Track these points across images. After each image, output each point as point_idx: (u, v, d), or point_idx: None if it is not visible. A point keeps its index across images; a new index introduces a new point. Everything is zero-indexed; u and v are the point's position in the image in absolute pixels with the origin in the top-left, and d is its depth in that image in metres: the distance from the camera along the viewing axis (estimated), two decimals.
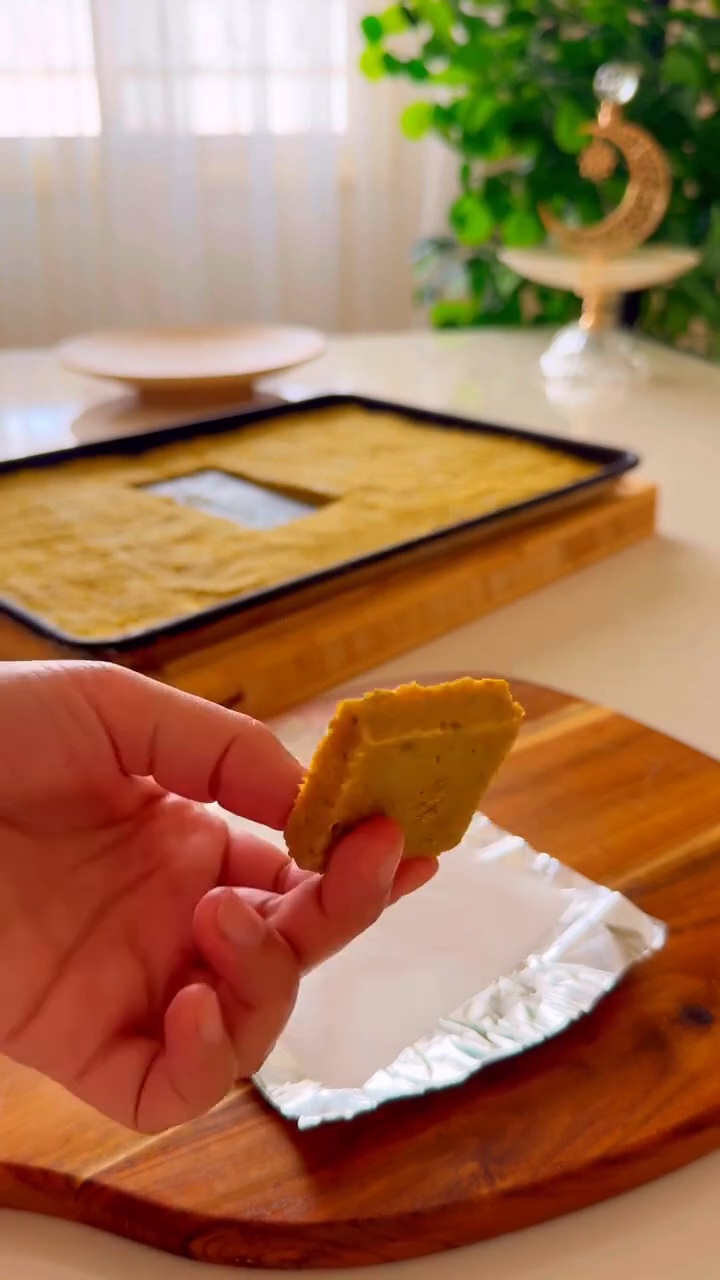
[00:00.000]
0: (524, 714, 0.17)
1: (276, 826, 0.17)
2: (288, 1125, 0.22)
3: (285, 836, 0.17)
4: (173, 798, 0.19)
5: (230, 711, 0.18)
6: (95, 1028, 0.17)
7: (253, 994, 0.17)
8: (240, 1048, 0.17)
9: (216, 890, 0.17)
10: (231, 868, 0.19)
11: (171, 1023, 0.16)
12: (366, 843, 0.16)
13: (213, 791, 0.17)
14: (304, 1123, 0.21)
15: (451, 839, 0.18)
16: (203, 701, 0.18)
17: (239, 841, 0.19)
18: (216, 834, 0.19)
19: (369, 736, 0.15)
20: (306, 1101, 0.22)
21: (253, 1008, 0.17)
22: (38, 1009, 0.16)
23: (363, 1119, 0.22)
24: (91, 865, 0.18)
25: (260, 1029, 0.17)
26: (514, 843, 0.29)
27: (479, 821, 0.30)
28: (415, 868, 0.18)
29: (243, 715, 0.18)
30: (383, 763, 0.16)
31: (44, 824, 0.17)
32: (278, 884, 0.19)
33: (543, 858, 0.28)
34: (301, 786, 0.17)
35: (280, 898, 0.18)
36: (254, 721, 0.18)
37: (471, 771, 0.17)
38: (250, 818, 0.17)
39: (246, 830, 0.20)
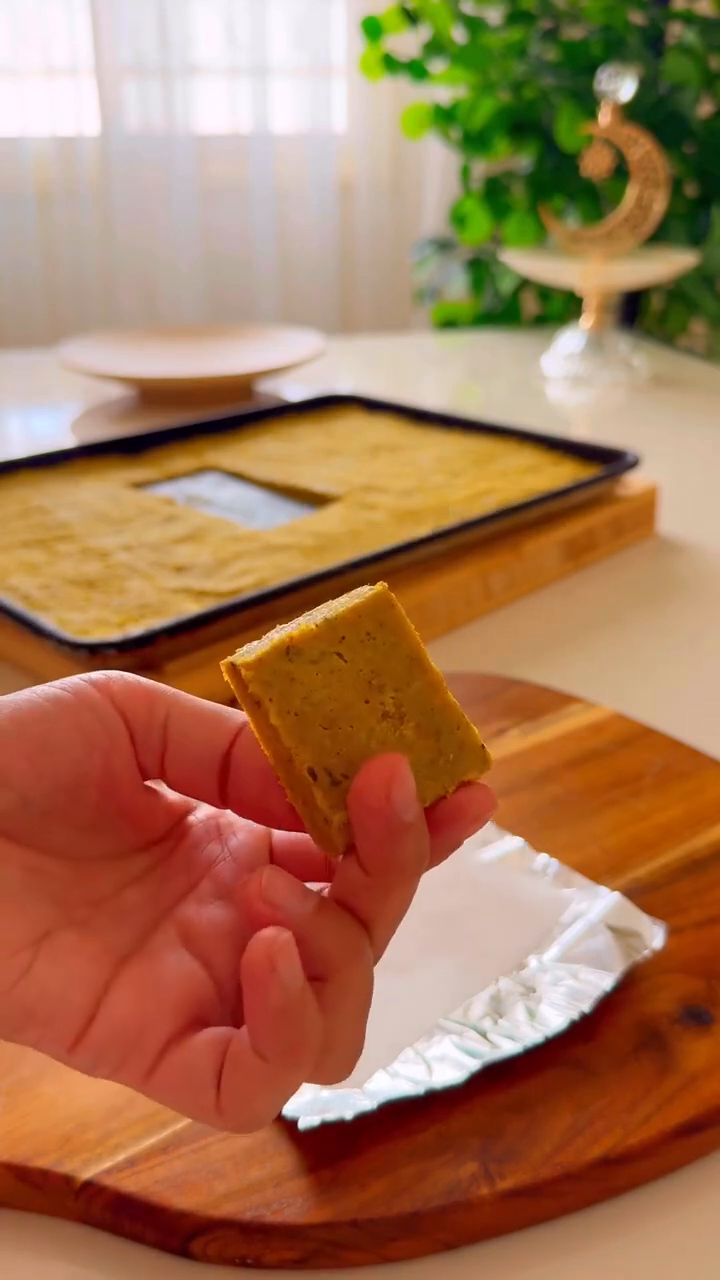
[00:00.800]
0: (385, 584, 0.17)
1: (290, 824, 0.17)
2: (288, 1125, 0.22)
3: (310, 836, 0.17)
4: (202, 810, 0.19)
5: (235, 710, 0.18)
6: (162, 1018, 0.16)
7: (319, 963, 0.16)
8: (325, 1024, 0.16)
9: (259, 868, 0.16)
10: (278, 863, 0.18)
11: (246, 969, 0.15)
12: (364, 779, 0.15)
13: (222, 783, 0.17)
14: (304, 1123, 0.21)
15: (469, 752, 0.17)
16: (208, 701, 0.18)
17: (282, 837, 0.18)
18: (258, 833, 0.19)
19: (245, 665, 0.15)
20: (306, 1102, 0.22)
21: (324, 978, 0.16)
22: (97, 1009, 0.16)
23: (363, 1119, 0.22)
24: (135, 887, 0.17)
25: (339, 1001, 0.16)
26: (514, 843, 0.29)
27: None
28: (469, 798, 0.17)
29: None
30: (287, 684, 0.16)
31: (81, 850, 0.17)
32: (329, 872, 0.18)
33: (543, 858, 0.28)
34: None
35: None
36: None
37: (393, 658, 0.16)
38: (264, 814, 0.17)
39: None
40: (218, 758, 0.17)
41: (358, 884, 0.16)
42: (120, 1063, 0.16)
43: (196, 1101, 0.16)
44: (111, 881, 0.17)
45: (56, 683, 0.17)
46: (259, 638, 0.17)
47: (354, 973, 0.16)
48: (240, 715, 0.18)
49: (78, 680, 0.17)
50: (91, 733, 0.17)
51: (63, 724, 0.16)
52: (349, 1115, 0.21)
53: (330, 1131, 0.22)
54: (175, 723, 0.17)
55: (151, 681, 0.18)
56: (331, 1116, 0.21)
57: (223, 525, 0.49)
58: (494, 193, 1.16)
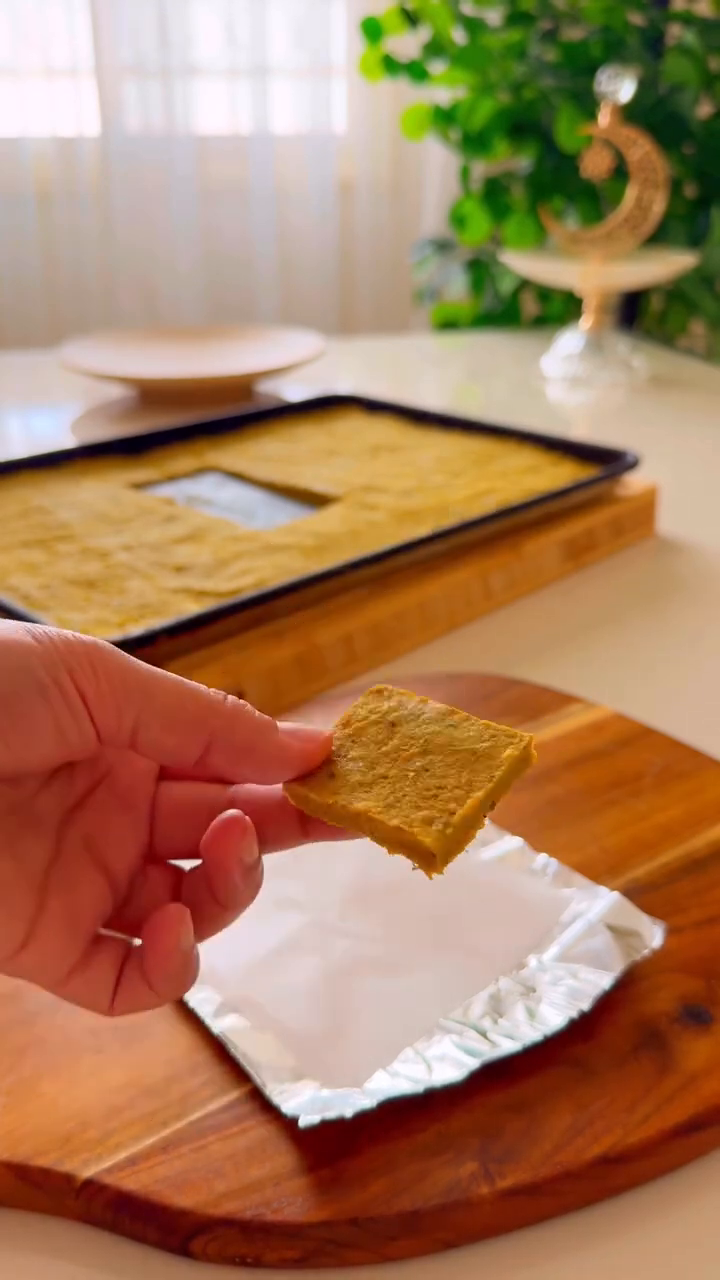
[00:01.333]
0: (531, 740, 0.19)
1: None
2: (288, 1124, 0.22)
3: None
4: None
5: (213, 698, 0.18)
6: (76, 943, 0.18)
7: (235, 900, 0.19)
8: (204, 936, 0.19)
9: (230, 815, 0.19)
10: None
11: (152, 938, 0.18)
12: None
13: (200, 772, 0.19)
14: (304, 1121, 0.21)
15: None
16: (187, 689, 0.18)
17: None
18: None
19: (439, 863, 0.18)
20: (306, 1100, 0.22)
21: (229, 909, 0.19)
22: (28, 940, 0.18)
23: (363, 1119, 0.22)
24: (45, 789, 0.19)
25: (228, 920, 0.19)
26: (513, 843, 0.29)
27: None
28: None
29: (224, 702, 0.19)
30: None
31: (13, 772, 0.18)
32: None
33: (542, 858, 0.28)
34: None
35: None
36: (234, 710, 0.18)
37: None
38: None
39: None
40: (189, 763, 0.18)
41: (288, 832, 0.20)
42: (39, 978, 0.18)
43: (94, 1006, 0.19)
44: (31, 787, 0.19)
45: (44, 635, 0.17)
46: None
47: (250, 901, 0.20)
48: (213, 721, 0.18)
49: (62, 665, 0.17)
50: (66, 731, 0.17)
51: (42, 716, 0.17)
52: (349, 1113, 0.21)
53: (330, 1131, 0.22)
54: (143, 732, 0.18)
55: (128, 670, 0.18)
56: (331, 1115, 0.21)
57: (223, 525, 0.49)
58: (494, 193, 1.16)
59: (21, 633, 0.17)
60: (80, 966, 0.18)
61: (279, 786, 0.19)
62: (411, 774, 0.18)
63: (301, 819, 0.19)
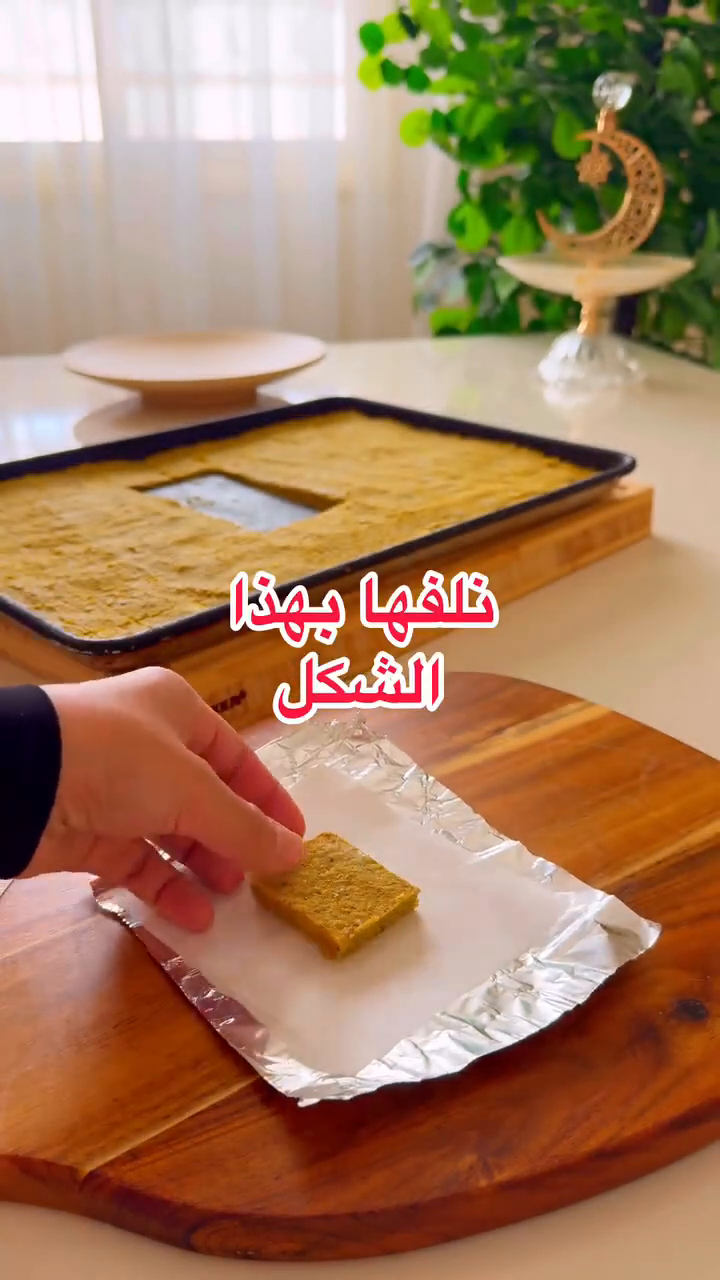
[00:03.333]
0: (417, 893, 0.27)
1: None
2: (289, 1118, 0.22)
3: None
4: None
5: (254, 822, 0.26)
6: (123, 865, 0.27)
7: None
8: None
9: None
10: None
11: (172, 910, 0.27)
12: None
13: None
14: (304, 1102, 0.21)
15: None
16: (239, 812, 0.26)
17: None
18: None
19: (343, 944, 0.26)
20: (305, 1085, 0.22)
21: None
22: (90, 854, 0.26)
23: (362, 1113, 0.22)
24: None
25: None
26: (510, 845, 0.29)
27: (475, 824, 0.30)
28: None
29: (262, 832, 0.27)
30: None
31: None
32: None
33: (539, 861, 0.29)
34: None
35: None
36: (268, 843, 0.27)
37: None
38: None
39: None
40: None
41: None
42: (106, 875, 0.27)
43: (143, 898, 0.28)
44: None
45: (151, 722, 0.25)
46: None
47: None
48: (252, 842, 0.26)
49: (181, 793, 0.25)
50: (159, 825, 0.25)
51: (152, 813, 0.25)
52: (347, 1097, 0.21)
53: (330, 1124, 0.22)
54: (186, 829, 0.26)
55: (214, 795, 0.25)
56: (331, 1096, 0.21)
57: (225, 527, 0.49)
58: (492, 199, 1.16)
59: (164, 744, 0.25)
60: (135, 875, 0.27)
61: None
62: (336, 895, 0.27)
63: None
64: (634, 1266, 0.21)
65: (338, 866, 0.28)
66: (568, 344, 0.91)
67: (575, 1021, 0.24)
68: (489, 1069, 0.23)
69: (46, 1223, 0.22)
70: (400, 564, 0.45)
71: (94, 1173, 0.21)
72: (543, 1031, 0.23)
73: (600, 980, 0.24)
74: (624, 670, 0.43)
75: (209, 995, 0.25)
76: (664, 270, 0.90)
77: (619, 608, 0.49)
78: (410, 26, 1.09)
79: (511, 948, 0.26)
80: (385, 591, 0.44)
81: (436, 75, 1.11)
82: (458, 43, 1.09)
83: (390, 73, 1.12)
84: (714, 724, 0.38)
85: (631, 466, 0.54)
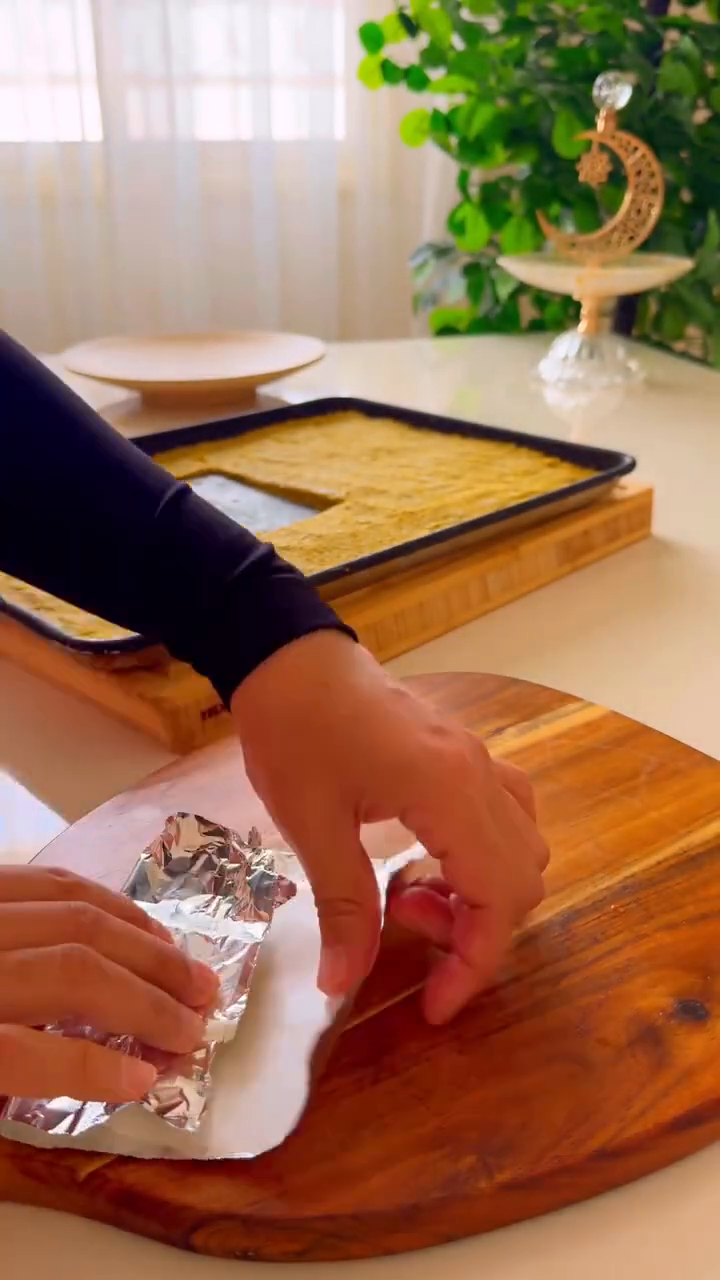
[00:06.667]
0: None
1: None
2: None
3: None
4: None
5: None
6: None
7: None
8: None
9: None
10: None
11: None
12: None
13: None
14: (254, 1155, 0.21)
15: None
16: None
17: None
18: None
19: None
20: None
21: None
22: None
23: (363, 1114, 0.22)
24: None
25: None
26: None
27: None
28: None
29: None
30: None
31: None
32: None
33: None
34: None
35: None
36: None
37: None
38: None
39: None
40: None
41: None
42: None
43: None
44: None
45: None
46: None
47: None
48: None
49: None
50: None
51: None
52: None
53: (330, 1124, 0.22)
54: None
55: None
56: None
57: None
58: (492, 199, 1.16)
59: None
60: None
61: None
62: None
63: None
64: (634, 1267, 0.21)
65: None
66: (568, 344, 0.91)
67: (576, 1021, 0.24)
68: (488, 1070, 0.23)
69: (46, 1223, 0.22)
70: (400, 564, 0.45)
71: (94, 1173, 0.21)
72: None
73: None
74: (624, 670, 0.43)
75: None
76: (664, 270, 0.90)
77: (619, 608, 0.49)
78: (410, 26, 1.09)
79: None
80: (386, 591, 0.44)
81: (436, 75, 1.11)
82: (457, 42, 1.09)
83: (390, 73, 1.12)
84: (714, 724, 0.38)
85: (631, 466, 0.54)
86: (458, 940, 0.24)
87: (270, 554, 0.28)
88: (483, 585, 0.47)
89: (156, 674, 0.37)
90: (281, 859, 0.28)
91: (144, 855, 0.27)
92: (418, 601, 0.44)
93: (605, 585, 0.51)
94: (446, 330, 1.24)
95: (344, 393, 0.74)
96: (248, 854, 0.28)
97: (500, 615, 0.48)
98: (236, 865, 0.27)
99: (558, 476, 0.55)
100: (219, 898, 0.27)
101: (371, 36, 1.11)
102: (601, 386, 0.88)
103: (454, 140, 1.14)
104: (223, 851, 0.27)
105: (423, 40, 1.10)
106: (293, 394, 0.85)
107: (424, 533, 0.48)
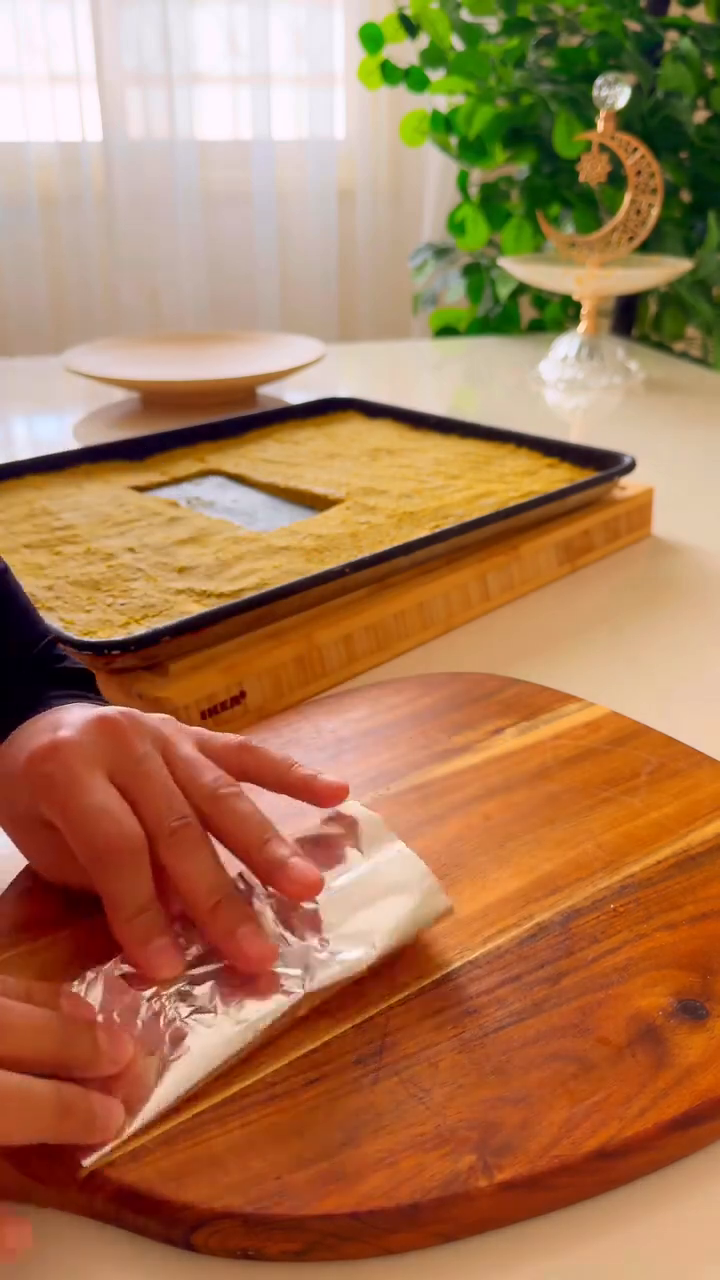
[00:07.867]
0: None
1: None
2: (289, 1118, 0.22)
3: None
4: None
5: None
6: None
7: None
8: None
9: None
10: None
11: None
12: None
13: None
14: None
15: None
16: None
17: None
18: None
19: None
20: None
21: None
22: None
23: (363, 1113, 0.22)
24: None
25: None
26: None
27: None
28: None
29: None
30: None
31: None
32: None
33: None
34: None
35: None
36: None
37: None
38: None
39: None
40: None
41: None
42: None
43: None
44: None
45: None
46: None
47: None
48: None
49: None
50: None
51: None
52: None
53: (330, 1124, 0.22)
54: None
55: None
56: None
57: (225, 527, 0.49)
58: (491, 199, 1.16)
59: None
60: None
61: None
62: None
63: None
64: (634, 1266, 0.21)
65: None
66: (567, 344, 0.92)
67: (575, 1021, 0.24)
68: (487, 1070, 0.23)
69: (46, 1223, 0.22)
70: (400, 564, 0.45)
71: (94, 1173, 0.21)
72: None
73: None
74: (624, 670, 0.43)
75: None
76: (664, 270, 0.90)
77: (619, 608, 0.49)
78: (410, 26, 1.09)
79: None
80: (386, 591, 0.44)
81: (436, 75, 1.11)
82: (457, 43, 1.09)
83: (390, 73, 1.12)
84: (714, 724, 0.38)
85: (631, 466, 0.54)
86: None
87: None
88: (483, 585, 0.47)
89: (156, 674, 0.37)
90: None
91: None
92: (418, 601, 0.44)
93: (605, 585, 0.51)
94: (446, 330, 1.24)
95: (344, 393, 0.74)
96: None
97: (500, 615, 0.48)
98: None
99: (558, 477, 0.55)
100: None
101: (371, 37, 1.11)
102: (601, 387, 0.88)
103: (454, 140, 1.14)
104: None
105: (422, 41, 1.10)
106: (293, 394, 0.85)
107: (424, 533, 0.48)
